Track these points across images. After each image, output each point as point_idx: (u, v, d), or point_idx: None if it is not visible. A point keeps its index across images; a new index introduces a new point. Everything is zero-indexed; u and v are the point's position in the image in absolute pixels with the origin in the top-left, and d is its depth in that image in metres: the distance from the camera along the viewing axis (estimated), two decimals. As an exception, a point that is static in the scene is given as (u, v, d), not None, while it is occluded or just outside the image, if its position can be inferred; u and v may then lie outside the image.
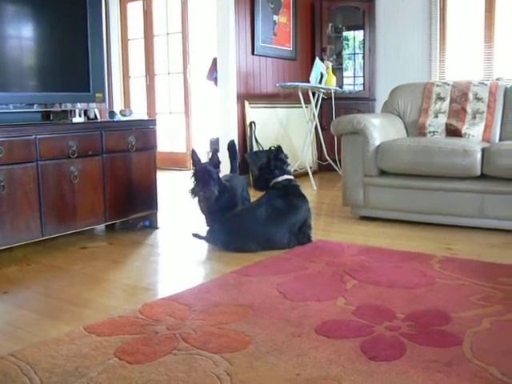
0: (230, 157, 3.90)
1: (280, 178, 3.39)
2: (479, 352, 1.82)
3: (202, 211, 3.60)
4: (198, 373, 1.72)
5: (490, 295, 2.38)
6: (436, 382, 1.64)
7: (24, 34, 3.32)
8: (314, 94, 6.14)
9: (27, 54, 3.38)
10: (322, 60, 6.29)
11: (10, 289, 2.66)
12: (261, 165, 3.54)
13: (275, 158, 3.45)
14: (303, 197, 3.39)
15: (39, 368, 1.77)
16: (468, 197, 3.61)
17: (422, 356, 1.80)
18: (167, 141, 7.81)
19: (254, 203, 3.39)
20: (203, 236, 3.39)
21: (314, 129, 6.19)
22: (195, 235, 3.41)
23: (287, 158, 3.50)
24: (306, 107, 6.11)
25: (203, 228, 3.65)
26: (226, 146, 3.98)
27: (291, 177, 3.44)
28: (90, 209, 3.45)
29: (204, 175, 3.36)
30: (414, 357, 1.80)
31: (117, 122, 3.72)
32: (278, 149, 3.46)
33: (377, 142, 3.90)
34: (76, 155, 3.33)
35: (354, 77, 7.15)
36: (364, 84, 6.89)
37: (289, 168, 3.49)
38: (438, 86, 4.45)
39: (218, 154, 3.56)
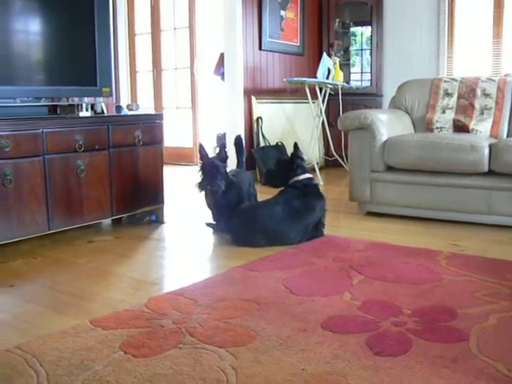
0: (237, 152, 3.89)
1: (301, 177, 3.36)
2: (485, 348, 1.81)
3: (209, 206, 3.60)
4: (203, 367, 1.72)
5: (497, 291, 2.37)
6: (442, 377, 1.63)
7: (31, 28, 3.32)
8: (321, 90, 6.13)
9: (34, 48, 3.38)
10: (329, 55, 6.27)
11: (16, 282, 2.67)
12: (279, 161, 3.52)
13: (296, 155, 3.41)
14: (321, 196, 3.36)
15: (45, 361, 1.78)
16: (475, 193, 3.59)
17: (428, 352, 1.80)
18: (174, 136, 7.81)
19: (271, 200, 3.34)
20: (217, 226, 3.47)
21: (320, 124, 6.18)
22: (208, 224, 3.52)
23: (303, 154, 3.48)
24: (313, 103, 6.09)
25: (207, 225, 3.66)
26: (232, 141, 3.98)
27: (311, 175, 3.41)
28: (96, 203, 3.45)
29: (211, 169, 3.36)
30: (420, 352, 1.79)
31: (124, 116, 3.72)
32: (296, 146, 3.43)
33: (384, 138, 3.89)
34: (83, 149, 3.33)
35: (362, 73, 7.13)
36: (371, 80, 6.86)
37: (307, 167, 3.47)
38: (445, 81, 4.43)
39: (226, 149, 3.56)
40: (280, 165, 3.45)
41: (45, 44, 3.41)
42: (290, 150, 3.54)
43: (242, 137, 4.00)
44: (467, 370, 1.67)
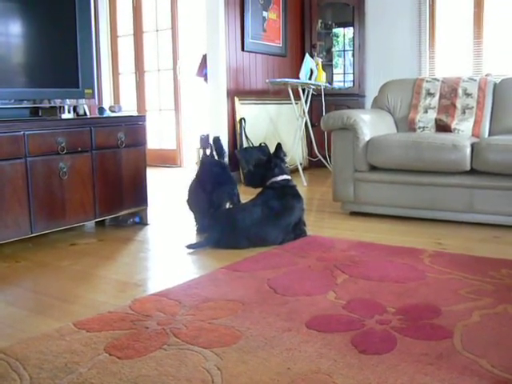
0: (218, 154, 3.88)
1: (279, 178, 3.37)
2: (469, 345, 1.83)
3: (191, 208, 3.60)
4: (188, 367, 1.71)
5: (480, 289, 2.39)
6: (427, 374, 1.64)
7: (12, 30, 3.29)
8: (303, 91, 6.15)
9: (16, 50, 3.35)
10: (311, 56, 6.29)
11: (-2, 286, 2.65)
12: (258, 161, 3.52)
13: (276, 156, 3.43)
14: (299, 197, 3.38)
15: (29, 364, 1.76)
16: (458, 192, 3.62)
17: (413, 349, 1.81)
18: (157, 138, 7.78)
19: (249, 202, 3.35)
20: (199, 243, 3.26)
21: (303, 125, 6.19)
22: (190, 246, 3.21)
23: (286, 155, 3.49)
24: (296, 103, 6.11)
25: (191, 227, 3.66)
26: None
27: (289, 177, 3.42)
28: (79, 205, 3.43)
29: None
30: (404, 350, 1.80)
31: (106, 118, 3.70)
32: (279, 147, 3.44)
33: (367, 138, 3.91)
34: (65, 151, 3.31)
35: (344, 73, 7.16)
36: (354, 80, 6.89)
37: (286, 167, 3.47)
38: (427, 81, 4.46)
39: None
40: (259, 165, 3.46)
41: (26, 46, 3.39)
42: (273, 151, 3.54)
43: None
44: (451, 366, 1.68)
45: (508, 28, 5.93)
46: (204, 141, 6.48)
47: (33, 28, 3.39)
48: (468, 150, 3.57)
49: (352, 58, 6.92)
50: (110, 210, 3.66)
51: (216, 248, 3.19)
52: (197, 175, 3.68)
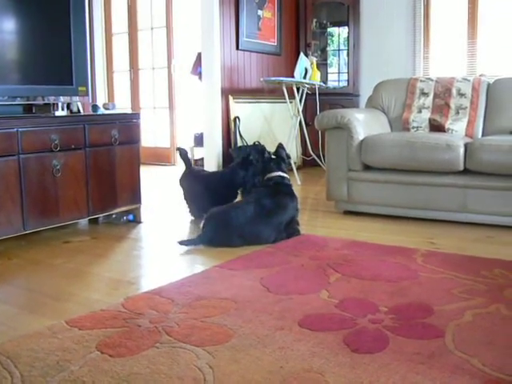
0: (185, 164, 3.99)
1: (273, 174, 3.38)
2: (461, 344, 1.83)
3: (187, 200, 3.62)
4: (180, 366, 1.71)
5: (472, 288, 2.39)
6: (418, 373, 1.64)
7: (6, 27, 3.27)
8: (298, 90, 6.14)
9: (9, 47, 3.33)
10: (306, 55, 6.29)
11: (-10, 283, 2.64)
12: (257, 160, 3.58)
13: (276, 155, 3.47)
14: (293, 196, 3.37)
15: (20, 362, 1.75)
16: (451, 191, 3.63)
17: (405, 348, 1.81)
18: (151, 136, 7.77)
19: (242, 201, 3.36)
20: (191, 240, 3.22)
21: (298, 124, 6.19)
22: (182, 243, 3.18)
23: (289, 157, 3.51)
24: (291, 102, 6.11)
25: (185, 222, 3.65)
26: (209, 141, 3.97)
27: (284, 174, 3.42)
28: (72, 203, 3.42)
29: None
30: (396, 349, 1.81)
31: (100, 115, 3.69)
32: (280, 146, 3.49)
33: (360, 137, 3.91)
34: (58, 149, 3.30)
35: (339, 73, 7.16)
36: (348, 80, 6.90)
37: (284, 167, 3.48)
38: (421, 81, 4.47)
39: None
40: (258, 163, 3.50)
41: (20, 43, 3.37)
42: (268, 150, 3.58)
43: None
44: (443, 365, 1.69)
45: (502, 28, 5.95)
46: (197, 138, 6.49)
47: (27, 25, 3.37)
48: (461, 150, 3.58)
49: (346, 58, 6.92)
50: (103, 207, 3.65)
51: (209, 246, 3.18)
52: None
